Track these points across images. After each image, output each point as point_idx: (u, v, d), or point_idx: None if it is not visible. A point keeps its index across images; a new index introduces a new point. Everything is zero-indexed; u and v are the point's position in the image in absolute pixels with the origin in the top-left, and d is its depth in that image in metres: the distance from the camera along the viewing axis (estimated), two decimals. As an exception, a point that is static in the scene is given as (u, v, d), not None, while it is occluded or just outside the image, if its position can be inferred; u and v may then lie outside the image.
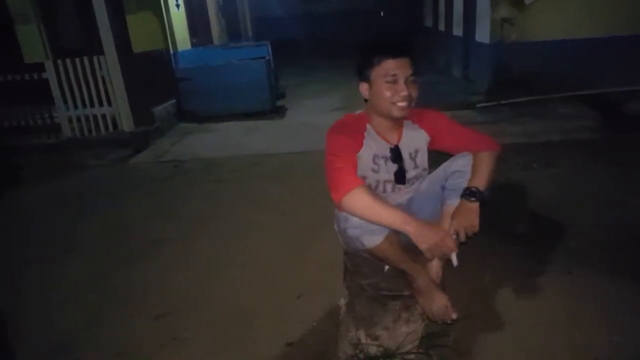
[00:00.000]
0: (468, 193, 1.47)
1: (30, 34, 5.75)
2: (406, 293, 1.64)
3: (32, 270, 2.51)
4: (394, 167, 1.67)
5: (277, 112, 6.19)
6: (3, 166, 4.55)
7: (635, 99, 4.75)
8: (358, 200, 1.44)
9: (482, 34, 6.01)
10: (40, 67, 4.95)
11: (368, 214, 1.45)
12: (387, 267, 1.70)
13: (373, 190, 1.60)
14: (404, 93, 1.55)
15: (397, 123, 1.67)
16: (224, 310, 2.03)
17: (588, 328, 1.74)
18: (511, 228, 2.56)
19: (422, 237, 1.41)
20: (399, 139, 1.67)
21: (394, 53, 1.56)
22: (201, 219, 3.00)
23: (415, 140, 1.70)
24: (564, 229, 2.47)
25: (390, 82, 1.55)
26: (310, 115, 5.81)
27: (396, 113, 1.58)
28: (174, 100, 6.02)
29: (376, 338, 1.64)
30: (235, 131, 5.41)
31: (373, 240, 1.50)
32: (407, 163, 1.68)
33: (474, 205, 1.47)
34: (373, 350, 1.63)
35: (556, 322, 1.79)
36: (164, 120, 5.63)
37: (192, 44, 7.41)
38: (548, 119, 4.76)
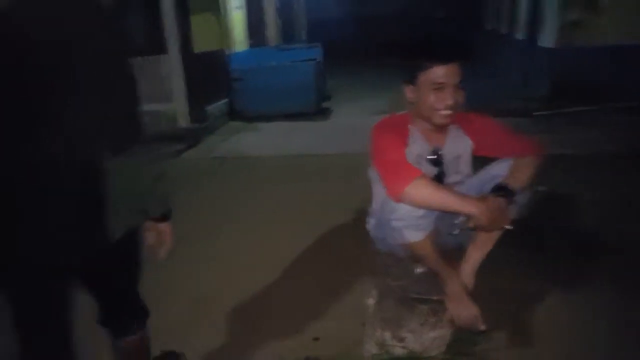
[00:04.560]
0: (496, 189, 1.42)
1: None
2: (435, 298, 1.62)
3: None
4: (434, 170, 1.65)
5: (322, 113, 6.25)
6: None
7: None
8: (424, 188, 1.41)
9: (547, 38, 5.72)
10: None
11: (435, 201, 1.42)
12: (417, 269, 1.68)
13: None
14: (450, 102, 1.51)
15: (441, 128, 1.65)
16: (254, 304, 2.08)
17: (630, 346, 1.63)
18: (560, 242, 2.43)
19: (486, 215, 1.38)
20: (442, 144, 1.65)
21: (444, 58, 1.51)
22: (233, 215, 3.04)
23: (458, 146, 1.67)
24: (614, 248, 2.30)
25: (437, 89, 1.51)
26: (354, 118, 5.79)
27: (438, 120, 1.57)
28: (226, 100, 6.25)
29: (402, 340, 1.63)
30: (280, 131, 5.52)
31: (416, 235, 1.49)
32: (448, 168, 1.66)
33: (500, 200, 1.41)
34: (398, 351, 1.62)
35: (596, 341, 1.68)
36: (216, 119, 5.86)
37: (249, 45, 7.64)
38: (608, 129, 4.44)
